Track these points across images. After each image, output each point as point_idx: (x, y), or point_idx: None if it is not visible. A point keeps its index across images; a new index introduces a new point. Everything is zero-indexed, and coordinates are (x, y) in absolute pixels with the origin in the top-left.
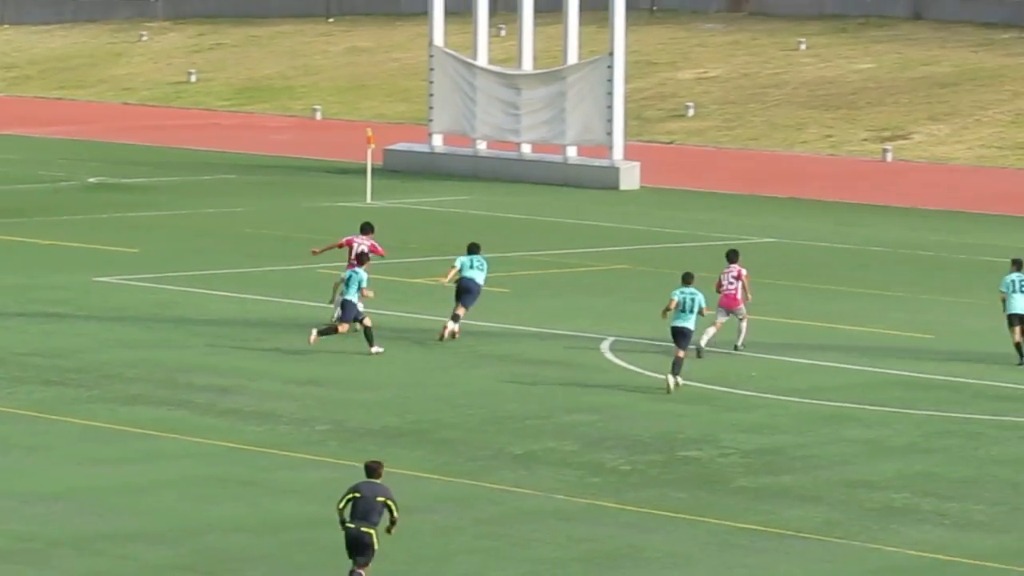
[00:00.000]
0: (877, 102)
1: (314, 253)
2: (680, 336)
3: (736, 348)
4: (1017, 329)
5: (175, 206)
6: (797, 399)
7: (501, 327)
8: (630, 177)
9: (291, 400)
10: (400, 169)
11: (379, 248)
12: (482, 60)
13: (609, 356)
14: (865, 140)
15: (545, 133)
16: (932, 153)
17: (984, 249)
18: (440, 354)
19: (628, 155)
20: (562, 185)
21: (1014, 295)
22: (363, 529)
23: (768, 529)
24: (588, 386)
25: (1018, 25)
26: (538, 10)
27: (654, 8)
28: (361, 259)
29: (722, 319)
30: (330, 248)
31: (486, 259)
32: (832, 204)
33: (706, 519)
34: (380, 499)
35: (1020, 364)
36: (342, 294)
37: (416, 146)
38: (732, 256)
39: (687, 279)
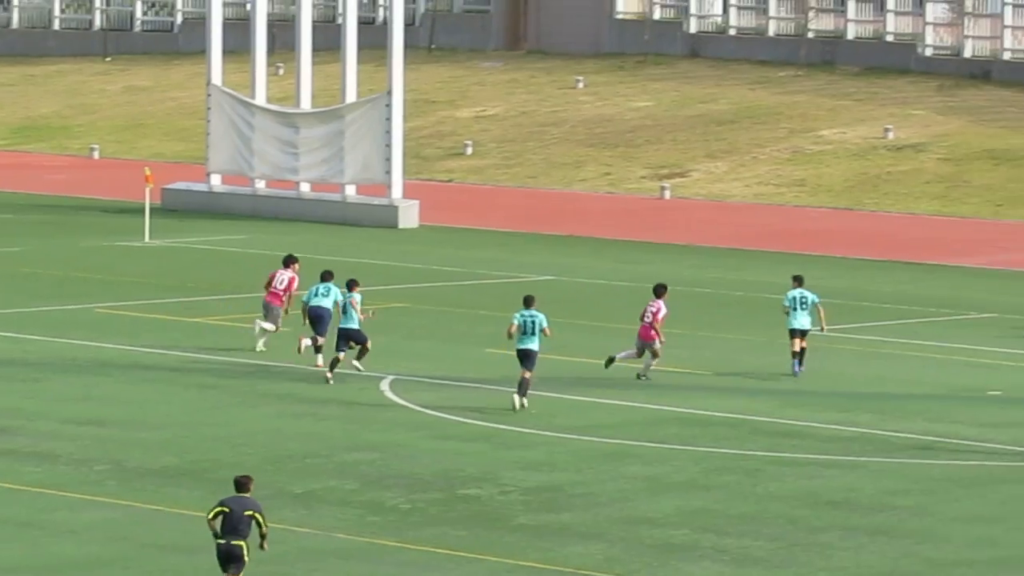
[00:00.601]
0: (655, 140)
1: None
2: (525, 358)
3: (639, 376)
4: (797, 340)
5: None
6: (576, 436)
7: (281, 366)
8: (409, 215)
9: (69, 440)
10: (178, 208)
11: (295, 284)
12: (260, 99)
13: (389, 394)
14: (643, 178)
15: (324, 172)
16: (710, 190)
17: (761, 286)
18: (219, 394)
19: (407, 193)
20: (341, 224)
21: (796, 312)
22: (233, 543)
23: (549, 567)
24: (368, 424)
25: (794, 63)
26: (316, 49)
27: (432, 47)
28: (350, 284)
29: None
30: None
31: (335, 287)
32: (610, 242)
33: (486, 557)
34: (248, 513)
35: (796, 374)
36: (339, 321)
37: (194, 185)
38: (659, 291)
39: (528, 302)
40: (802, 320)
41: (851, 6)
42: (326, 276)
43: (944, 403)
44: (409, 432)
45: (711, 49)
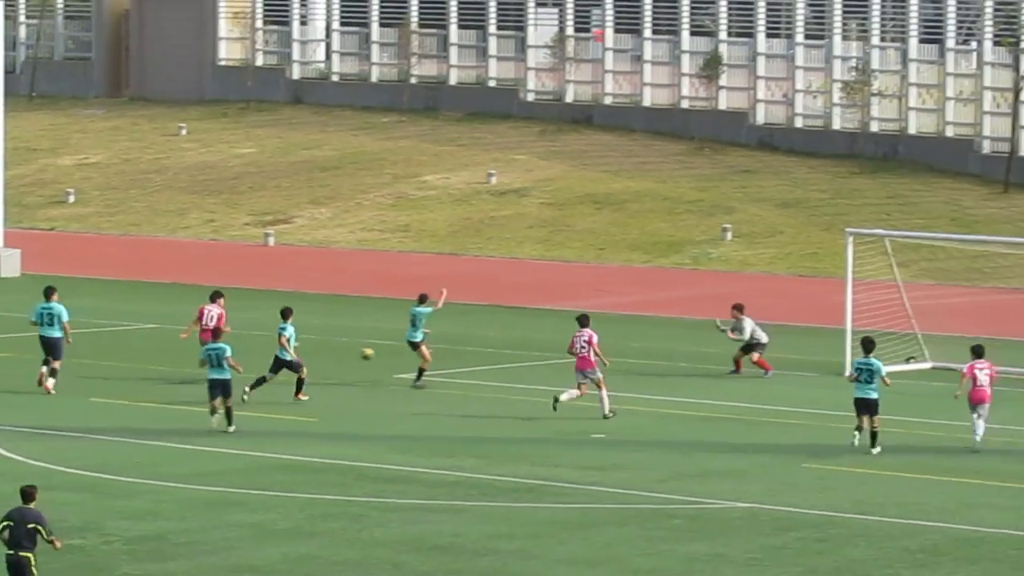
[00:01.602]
0: (259, 186)
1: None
2: (214, 387)
3: (605, 416)
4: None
5: None
6: (180, 484)
7: None
8: (10, 265)
9: None
10: None
11: (224, 319)
12: None
13: None
14: (247, 224)
15: None
16: (314, 236)
17: (366, 331)
18: None
19: (8, 242)
20: None
21: (411, 328)
22: (21, 554)
23: None
24: None
25: (397, 109)
26: None
27: (33, 94)
28: (286, 313)
29: (583, 382)
30: (195, 324)
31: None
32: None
33: None
34: (30, 525)
35: (415, 384)
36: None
37: None
38: (583, 321)
39: (215, 334)
40: (414, 335)
41: (453, 52)
42: (48, 292)
43: (548, 446)
44: (12, 483)
45: (314, 95)
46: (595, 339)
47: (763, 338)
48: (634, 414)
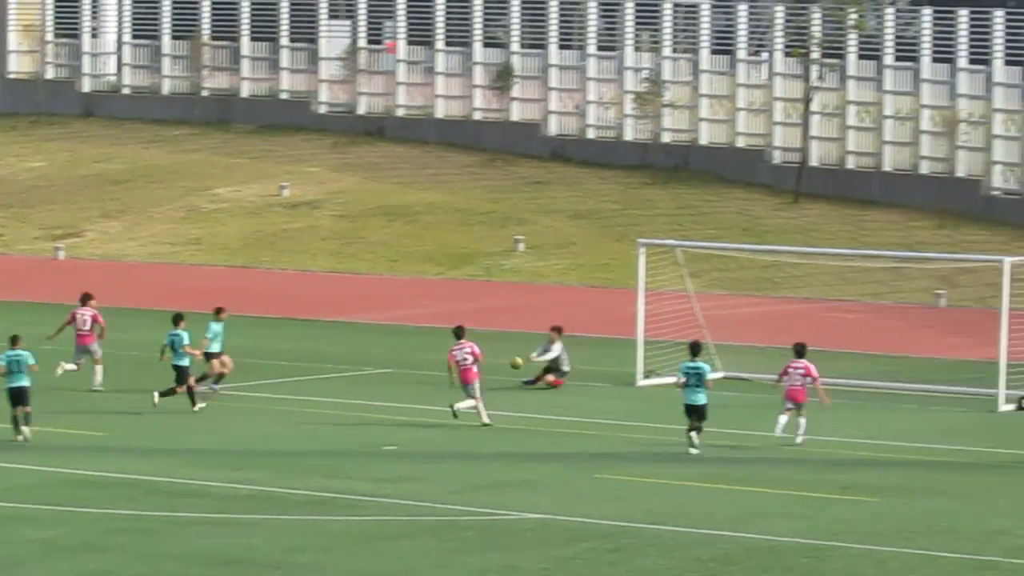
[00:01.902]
0: (49, 200)
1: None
2: (14, 395)
3: (485, 423)
4: (214, 362)
5: None
6: None
7: None
8: None
9: None
10: None
11: (100, 317)
12: None
13: None
14: (37, 238)
15: None
16: (105, 250)
17: (157, 344)
18: None
19: None
20: None
21: (213, 344)
22: None
23: None
24: None
25: (189, 122)
26: None
27: None
28: (177, 320)
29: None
30: (63, 327)
31: None
32: (3, 304)
33: None
34: None
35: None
36: (170, 359)
37: None
38: (461, 332)
39: (14, 341)
40: (210, 348)
41: (245, 64)
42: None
43: (340, 459)
44: None
45: (105, 108)
46: (478, 349)
47: (565, 366)
48: (427, 426)
